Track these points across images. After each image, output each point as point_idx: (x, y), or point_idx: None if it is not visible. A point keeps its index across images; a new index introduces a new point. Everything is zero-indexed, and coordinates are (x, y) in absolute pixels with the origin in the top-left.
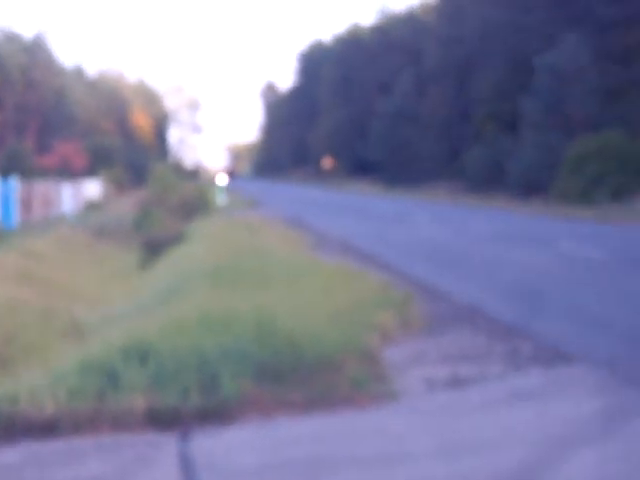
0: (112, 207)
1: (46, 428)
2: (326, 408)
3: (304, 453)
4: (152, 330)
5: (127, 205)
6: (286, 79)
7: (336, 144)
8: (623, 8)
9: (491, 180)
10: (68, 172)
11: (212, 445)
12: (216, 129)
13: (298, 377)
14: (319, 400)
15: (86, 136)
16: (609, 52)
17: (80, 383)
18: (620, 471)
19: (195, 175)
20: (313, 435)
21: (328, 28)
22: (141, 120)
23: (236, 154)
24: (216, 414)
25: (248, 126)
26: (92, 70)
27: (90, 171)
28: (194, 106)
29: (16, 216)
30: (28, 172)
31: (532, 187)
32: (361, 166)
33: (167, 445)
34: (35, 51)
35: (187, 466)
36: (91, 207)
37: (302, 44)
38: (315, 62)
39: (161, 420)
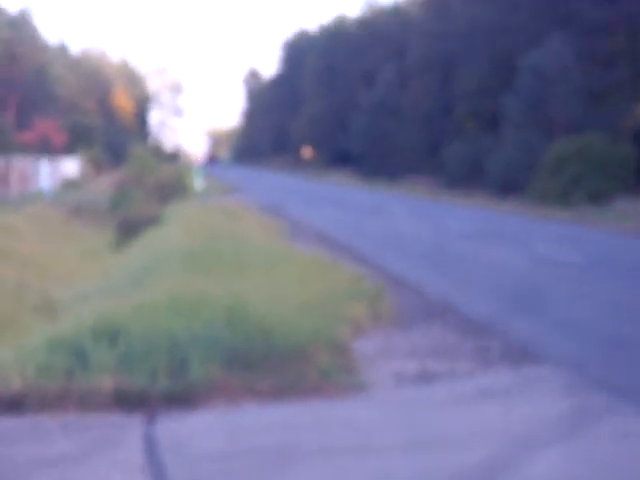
0: (90, 186)
1: (12, 405)
2: (294, 397)
3: (270, 441)
4: (123, 311)
5: (105, 185)
6: (270, 67)
7: (317, 134)
8: (609, 11)
9: (470, 177)
10: (47, 149)
11: (178, 429)
12: (197, 113)
13: (268, 365)
14: (288, 389)
15: (67, 114)
16: (593, 54)
17: (49, 360)
18: (582, 472)
19: (174, 158)
20: (280, 423)
21: (314, 18)
22: (122, 100)
23: (216, 139)
24: (183, 398)
25: (229, 112)
26: (76, 48)
27: (69, 149)
28: (176, 89)
29: None
30: (7, 147)
31: (511, 186)
32: (341, 157)
33: (133, 427)
34: (20, 26)
35: (152, 449)
36: (69, 185)
37: (287, 33)
38: (299, 51)
39: (128, 401)
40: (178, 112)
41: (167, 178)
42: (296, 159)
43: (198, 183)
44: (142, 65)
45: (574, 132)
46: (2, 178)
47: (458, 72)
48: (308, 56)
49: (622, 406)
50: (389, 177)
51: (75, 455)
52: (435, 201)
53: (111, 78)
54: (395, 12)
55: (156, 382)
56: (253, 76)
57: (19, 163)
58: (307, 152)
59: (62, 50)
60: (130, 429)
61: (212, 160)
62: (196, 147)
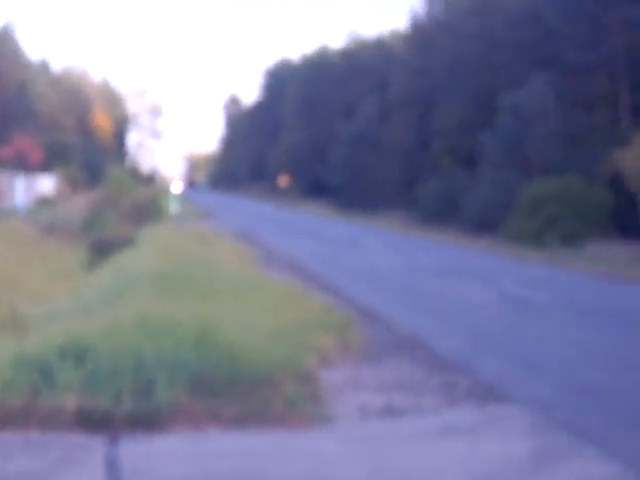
0: (65, 204)
1: None
2: (259, 425)
3: (232, 468)
4: (92, 331)
5: (80, 204)
6: (250, 94)
7: (295, 163)
8: (591, 54)
9: (445, 213)
10: (23, 165)
11: (140, 452)
12: (176, 136)
13: (234, 391)
14: (253, 416)
15: (46, 131)
16: (574, 97)
17: (14, 377)
18: None
19: (151, 180)
20: (243, 451)
21: (296, 47)
22: (102, 120)
23: (193, 163)
24: (147, 421)
25: (208, 136)
26: (57, 66)
27: (46, 166)
28: (156, 111)
29: None
30: None
31: (485, 224)
32: (318, 187)
33: (95, 448)
34: (2, 41)
35: (113, 471)
36: (43, 203)
37: (269, 61)
38: (281, 80)
39: (92, 422)
40: (156, 134)
41: (143, 200)
42: (273, 187)
43: (173, 207)
44: (122, 86)
45: (552, 174)
46: None
47: (438, 108)
48: (289, 85)
49: (585, 448)
50: (365, 210)
51: (36, 473)
52: (410, 236)
53: (91, 97)
54: (378, 45)
55: (121, 403)
56: (233, 102)
57: None
58: (284, 181)
59: (44, 67)
60: (92, 450)
61: (191, 185)
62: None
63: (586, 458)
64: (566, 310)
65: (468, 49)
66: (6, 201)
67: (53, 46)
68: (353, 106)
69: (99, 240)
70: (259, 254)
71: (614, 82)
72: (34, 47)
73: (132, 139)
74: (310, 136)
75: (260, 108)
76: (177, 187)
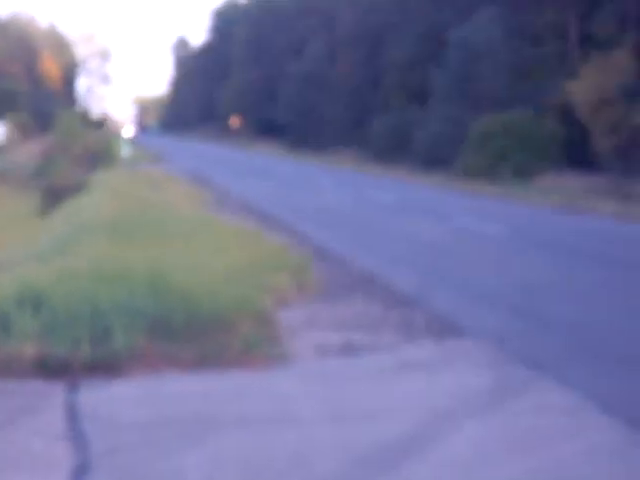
0: (15, 152)
1: None
2: (217, 367)
3: (191, 411)
4: (47, 279)
5: (31, 151)
6: (199, 36)
7: (245, 104)
8: None
9: (397, 149)
10: None
11: (99, 397)
12: (125, 81)
13: (190, 334)
14: (210, 359)
15: None
16: (521, 30)
17: None
18: (500, 445)
19: (101, 126)
20: (201, 393)
21: None
22: (50, 66)
23: (144, 107)
24: (106, 367)
25: (157, 80)
26: (3, 12)
27: None
28: (104, 56)
29: None
30: None
31: (437, 160)
32: (268, 127)
33: (54, 395)
34: None
35: (72, 417)
36: None
37: (217, 2)
38: (229, 21)
39: (50, 369)
40: (106, 79)
41: (94, 145)
42: (224, 128)
43: (125, 151)
44: (70, 31)
45: (501, 107)
46: None
47: (387, 45)
48: (237, 26)
49: (543, 379)
50: (317, 148)
51: None
52: (361, 173)
53: (39, 44)
54: None
55: (79, 350)
56: (182, 44)
57: None
58: (235, 122)
59: None
60: (52, 397)
61: (142, 128)
62: (123, 115)
63: (543, 389)
64: (519, 242)
65: None
66: None
67: None
68: (302, 45)
69: (51, 186)
70: (211, 196)
71: (562, 15)
72: None
73: (81, 84)
74: (260, 76)
75: (209, 50)
76: (128, 131)
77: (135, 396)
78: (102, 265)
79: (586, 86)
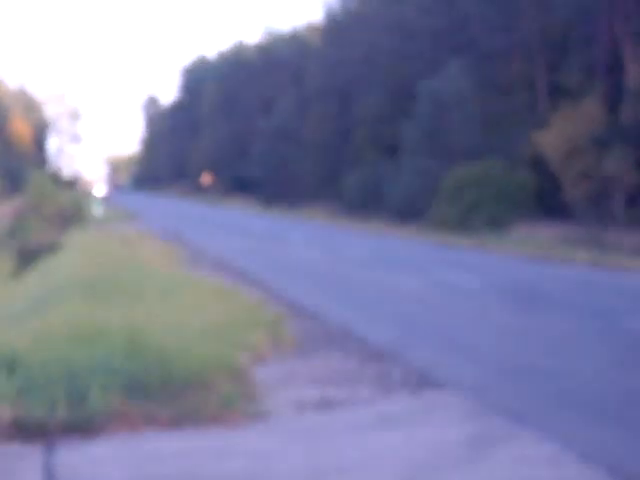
0: None
1: None
2: (194, 425)
3: (170, 469)
4: (21, 340)
5: (2, 212)
6: (169, 93)
7: (216, 160)
8: (506, 39)
9: (369, 203)
10: None
11: (77, 458)
12: (96, 140)
13: (167, 393)
14: (187, 417)
15: None
16: (491, 81)
17: None
18: None
19: (73, 185)
20: (180, 451)
21: (213, 44)
22: (20, 127)
23: (115, 166)
24: (83, 427)
25: (128, 138)
26: None
27: None
28: (74, 116)
29: None
30: None
31: (409, 212)
32: (240, 183)
33: (32, 457)
34: None
35: (50, 478)
36: None
37: (186, 59)
38: (198, 78)
39: (27, 431)
40: (76, 139)
41: (66, 205)
42: (196, 185)
43: (97, 210)
44: (40, 91)
45: (472, 158)
46: None
47: (357, 99)
48: (207, 82)
49: (521, 431)
50: (289, 203)
51: None
52: (335, 227)
53: (8, 105)
54: (294, 39)
55: (55, 411)
56: (152, 103)
57: None
58: (206, 179)
59: None
60: (29, 459)
61: (114, 187)
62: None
63: (522, 440)
64: (494, 294)
65: (383, 39)
66: None
67: None
68: (272, 100)
69: (24, 247)
70: (185, 254)
71: (530, 65)
72: None
73: (52, 144)
74: (230, 132)
75: (179, 107)
76: (100, 190)
77: (113, 456)
78: (78, 325)
79: (556, 135)
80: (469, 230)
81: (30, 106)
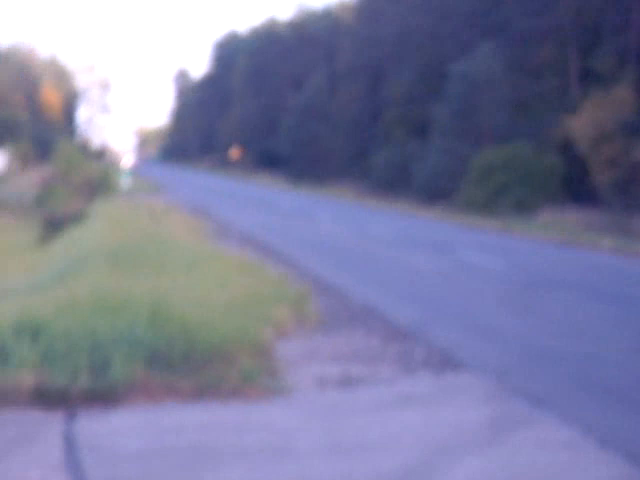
0: (15, 181)
1: None
2: (215, 398)
3: (189, 441)
4: (46, 308)
5: (31, 180)
6: (200, 67)
7: (245, 135)
8: (539, 21)
9: (397, 183)
10: None
11: (97, 427)
12: (125, 111)
13: (189, 365)
14: (209, 390)
15: None
16: (522, 64)
17: None
18: (500, 478)
19: (101, 156)
20: (200, 424)
21: (245, 20)
22: (51, 96)
23: (144, 138)
24: (104, 397)
25: (158, 111)
26: (4, 43)
27: None
28: (105, 86)
29: None
30: None
31: (437, 193)
32: (268, 159)
33: (53, 424)
34: None
35: (70, 447)
36: None
37: (218, 34)
38: (230, 52)
39: (49, 399)
40: (106, 110)
41: (94, 175)
42: (224, 160)
43: (125, 181)
44: (71, 61)
45: (501, 141)
46: None
47: (388, 78)
48: (238, 57)
49: (541, 414)
50: (316, 180)
51: None
52: (362, 206)
53: (39, 74)
54: (326, 16)
55: (77, 380)
56: (183, 76)
57: None
58: (235, 153)
59: None
60: (50, 427)
61: (142, 159)
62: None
63: (542, 425)
64: (519, 277)
65: (416, 19)
66: None
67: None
68: (302, 77)
69: (51, 216)
70: (212, 227)
71: (563, 49)
72: None
73: (82, 115)
74: (260, 108)
75: (210, 81)
76: (128, 162)
77: (133, 426)
78: (102, 295)
79: (586, 121)
80: (495, 213)
81: (61, 76)
